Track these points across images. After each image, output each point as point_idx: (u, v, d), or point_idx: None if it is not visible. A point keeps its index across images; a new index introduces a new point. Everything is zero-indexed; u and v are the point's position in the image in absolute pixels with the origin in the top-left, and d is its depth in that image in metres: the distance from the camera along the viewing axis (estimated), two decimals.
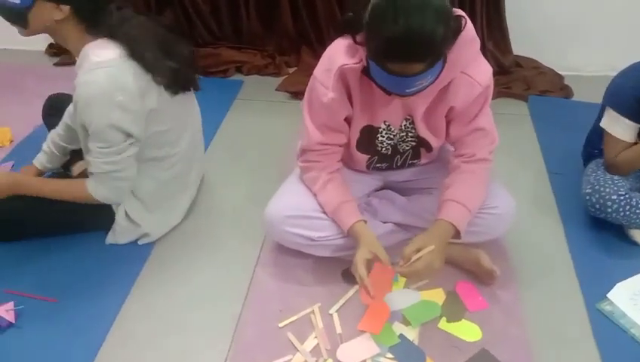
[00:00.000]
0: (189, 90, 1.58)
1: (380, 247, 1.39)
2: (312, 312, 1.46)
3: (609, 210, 1.60)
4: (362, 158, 1.56)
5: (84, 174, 1.66)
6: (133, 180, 1.51)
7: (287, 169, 1.70)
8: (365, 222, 1.47)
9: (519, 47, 2.62)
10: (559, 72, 2.60)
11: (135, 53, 1.38)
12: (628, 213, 1.60)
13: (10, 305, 1.45)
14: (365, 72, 1.31)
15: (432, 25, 1.13)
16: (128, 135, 1.41)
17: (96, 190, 1.48)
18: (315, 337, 1.40)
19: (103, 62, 1.34)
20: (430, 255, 1.33)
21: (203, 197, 1.87)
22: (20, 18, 1.34)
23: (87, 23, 1.38)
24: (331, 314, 1.46)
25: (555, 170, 2.00)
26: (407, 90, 1.24)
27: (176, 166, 1.63)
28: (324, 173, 1.51)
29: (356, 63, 1.32)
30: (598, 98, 1.76)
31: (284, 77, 2.63)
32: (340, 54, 1.34)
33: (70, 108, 1.70)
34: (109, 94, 1.33)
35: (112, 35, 1.38)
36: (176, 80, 1.48)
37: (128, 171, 1.47)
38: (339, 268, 1.58)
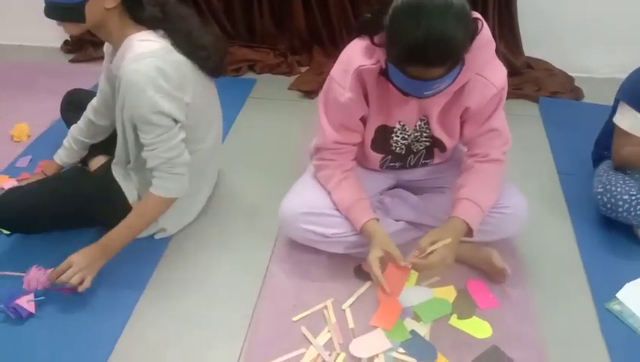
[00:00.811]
0: (221, 75, 1.63)
1: (393, 245, 1.42)
2: (325, 307, 1.49)
3: (620, 209, 1.62)
4: (376, 157, 1.59)
5: (102, 169, 1.69)
6: (190, 166, 1.53)
7: (300, 167, 1.73)
8: (378, 220, 1.49)
9: (531, 48, 2.64)
10: (570, 74, 2.61)
11: (177, 43, 1.44)
12: (639, 212, 1.61)
13: (32, 296, 1.48)
14: (383, 73, 1.33)
15: (453, 30, 1.15)
16: (175, 121, 1.45)
17: (163, 187, 1.50)
18: (329, 331, 1.42)
19: (147, 52, 1.38)
20: (445, 248, 1.35)
21: (218, 194, 1.89)
22: (77, 14, 1.35)
23: (133, 13, 1.42)
24: (344, 310, 1.48)
25: (565, 171, 2.02)
26: (426, 93, 1.26)
27: (200, 162, 1.65)
28: (339, 171, 1.53)
29: (374, 64, 1.34)
30: (608, 100, 1.78)
31: (296, 76, 2.66)
32: (357, 55, 1.36)
33: (93, 102, 1.73)
34: (155, 81, 1.37)
35: (155, 25, 1.43)
36: (213, 65, 1.54)
37: (185, 155, 1.50)
38: (352, 265, 1.61)
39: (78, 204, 1.62)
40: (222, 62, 1.60)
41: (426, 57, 1.17)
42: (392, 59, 1.24)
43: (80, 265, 1.45)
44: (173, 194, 1.52)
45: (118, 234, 1.52)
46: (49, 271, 1.49)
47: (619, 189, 1.63)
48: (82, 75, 2.65)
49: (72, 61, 2.87)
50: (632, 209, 1.61)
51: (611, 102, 1.75)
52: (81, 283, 1.44)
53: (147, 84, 1.36)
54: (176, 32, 1.44)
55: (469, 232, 1.42)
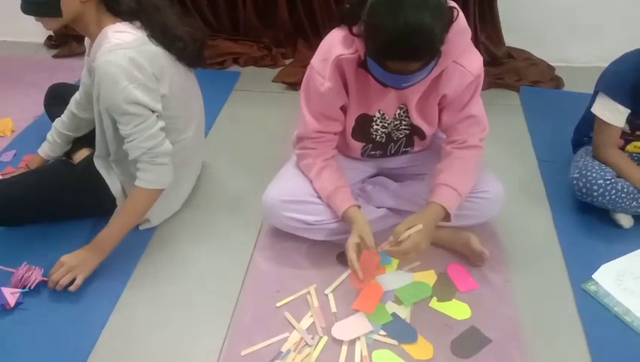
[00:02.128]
0: (202, 64, 1.64)
1: (369, 232, 1.44)
2: (308, 293, 1.51)
3: (595, 193, 1.65)
4: (357, 146, 1.61)
5: (85, 161, 1.70)
6: (171, 155, 1.53)
7: (284, 158, 1.74)
8: (359, 207, 1.52)
9: (512, 38, 2.67)
10: (551, 64, 2.65)
11: (152, 34, 1.45)
12: (614, 196, 1.65)
13: (16, 290, 1.49)
14: (361, 64, 1.35)
15: (430, 24, 1.16)
16: (152, 110, 1.46)
17: (147, 179, 1.50)
18: (311, 316, 1.45)
19: (122, 43, 1.39)
20: (418, 234, 1.38)
21: (202, 185, 1.91)
22: (54, 9, 1.36)
23: (109, 5, 1.43)
24: (327, 295, 1.51)
25: (545, 158, 2.05)
26: (404, 85, 1.29)
27: (182, 153, 1.67)
28: (320, 159, 1.55)
29: (352, 54, 1.36)
30: (588, 88, 1.81)
31: (280, 68, 2.68)
32: (336, 45, 1.38)
33: (76, 96, 1.74)
34: (129, 72, 1.38)
35: (131, 17, 1.44)
36: (190, 56, 1.55)
37: (165, 145, 1.50)
38: (334, 252, 1.63)
39: (62, 196, 1.63)
40: (199, 53, 1.61)
41: (404, 52, 1.19)
42: (370, 54, 1.26)
43: (70, 264, 1.47)
44: (158, 186, 1.53)
45: (110, 233, 1.54)
46: (37, 269, 1.51)
47: (594, 174, 1.67)
48: (66, 70, 2.65)
49: (55, 56, 2.86)
50: (606, 193, 1.65)
51: (591, 91, 1.78)
52: (72, 283, 1.47)
53: (121, 75, 1.37)
54: (152, 23, 1.45)
55: (447, 217, 1.45)
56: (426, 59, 1.23)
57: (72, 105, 1.76)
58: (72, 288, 1.47)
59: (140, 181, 1.51)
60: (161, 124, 1.49)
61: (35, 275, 1.51)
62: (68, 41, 2.88)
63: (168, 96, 1.50)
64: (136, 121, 1.44)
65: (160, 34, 1.46)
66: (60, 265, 1.48)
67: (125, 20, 1.44)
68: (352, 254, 1.41)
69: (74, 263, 1.48)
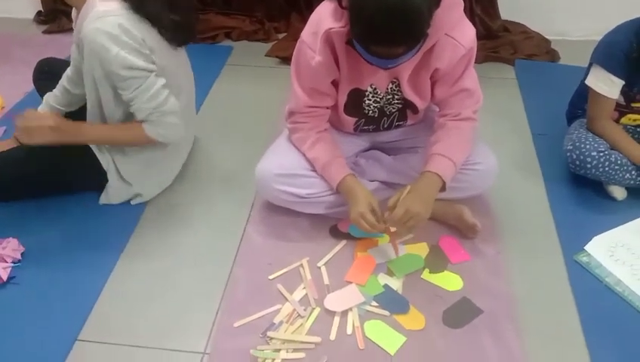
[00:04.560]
0: (192, 40, 1.62)
1: (376, 201, 1.45)
2: (301, 265, 1.51)
3: (588, 165, 1.65)
4: (350, 121, 1.60)
5: None
6: (179, 112, 1.53)
7: (277, 132, 1.73)
8: (354, 176, 1.51)
9: (507, 11, 2.64)
10: (546, 37, 2.63)
11: (139, 7, 1.42)
12: (607, 168, 1.65)
13: (7, 263, 1.49)
14: (349, 42, 1.33)
15: (416, 7, 1.14)
16: (150, 71, 1.44)
17: (154, 131, 1.51)
18: (304, 288, 1.45)
19: (110, 10, 1.37)
20: (409, 198, 1.38)
21: (194, 160, 1.90)
22: None
23: None
24: (319, 267, 1.51)
25: (539, 131, 2.05)
26: (390, 66, 1.28)
27: None
28: (313, 132, 1.54)
29: (342, 27, 1.33)
30: (583, 61, 1.79)
31: (273, 42, 2.65)
32: (326, 17, 1.35)
33: (68, 72, 1.72)
34: (119, 38, 1.37)
35: None
36: (179, 32, 1.52)
37: (171, 101, 1.50)
38: (327, 225, 1.63)
39: (52, 171, 1.61)
40: (184, 38, 1.57)
41: (388, 38, 1.18)
42: (354, 38, 1.24)
43: (47, 122, 1.46)
44: (165, 140, 1.54)
45: (95, 129, 1.55)
46: (11, 241, 1.55)
47: (587, 146, 1.66)
48: (56, 46, 2.61)
49: (45, 32, 2.82)
50: (600, 165, 1.65)
51: (587, 64, 1.76)
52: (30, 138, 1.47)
53: (110, 42, 1.36)
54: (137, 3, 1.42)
55: (442, 186, 1.45)
56: (412, 43, 1.21)
57: (64, 81, 1.74)
58: (23, 141, 1.49)
59: (148, 129, 1.50)
60: (161, 81, 1.48)
61: (11, 246, 1.51)
62: (57, 17, 2.84)
63: (157, 65, 1.48)
64: (135, 83, 1.43)
65: (144, 14, 1.43)
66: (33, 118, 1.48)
67: None
68: (369, 217, 1.41)
69: (51, 123, 1.46)
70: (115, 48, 1.37)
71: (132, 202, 1.71)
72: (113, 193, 1.68)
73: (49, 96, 1.78)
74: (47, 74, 1.88)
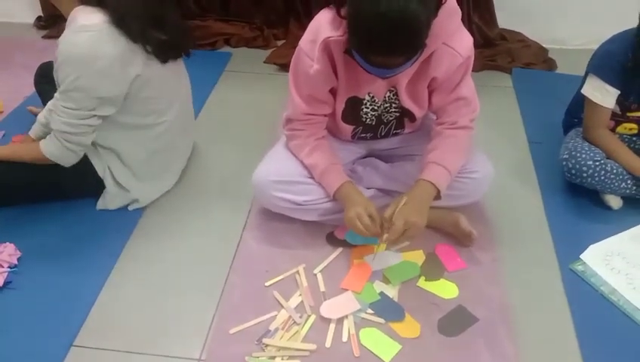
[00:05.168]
0: (180, 57, 1.61)
1: (374, 206, 1.45)
2: (297, 272, 1.52)
3: (584, 175, 1.66)
4: (348, 129, 1.60)
5: None
6: (85, 149, 1.54)
7: (275, 139, 1.74)
8: (352, 183, 1.51)
9: (505, 20, 2.66)
10: (544, 46, 2.64)
11: (121, 22, 1.40)
12: (603, 178, 1.65)
13: (4, 269, 1.49)
14: (347, 51, 1.33)
15: (416, 15, 1.14)
16: (100, 100, 1.44)
17: (46, 146, 1.50)
18: (300, 295, 1.45)
19: (88, 25, 1.37)
20: (405, 208, 1.39)
21: (192, 166, 1.90)
22: None
23: None
24: (315, 274, 1.51)
25: (536, 140, 2.06)
26: (388, 75, 1.29)
27: (164, 135, 1.65)
28: (311, 139, 1.55)
29: (340, 36, 1.33)
30: (580, 70, 1.80)
31: (272, 49, 2.66)
32: (324, 26, 1.36)
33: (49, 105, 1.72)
34: (86, 59, 1.37)
35: (101, 2, 1.40)
36: (165, 49, 1.51)
37: (83, 138, 1.50)
38: (324, 232, 1.63)
39: (47, 178, 1.61)
40: (165, 51, 1.53)
41: (387, 49, 1.18)
42: (353, 47, 1.24)
43: None
44: (56, 161, 1.52)
45: (3, 149, 1.60)
46: (8, 246, 1.55)
47: (583, 155, 1.67)
48: (55, 51, 2.61)
49: (45, 37, 2.83)
50: (595, 174, 1.65)
51: (584, 73, 1.77)
52: None
53: (78, 59, 1.37)
54: (122, 9, 1.41)
55: (437, 194, 1.45)
56: (411, 53, 1.22)
57: (44, 112, 1.75)
58: None
59: (44, 145, 1.50)
60: (93, 121, 1.47)
61: (8, 251, 1.52)
62: (57, 22, 2.84)
63: (143, 75, 1.48)
64: (72, 104, 1.43)
65: (125, 31, 1.41)
66: None
67: (96, 6, 1.40)
68: (365, 219, 1.40)
69: None
70: (81, 67, 1.37)
71: (129, 208, 1.71)
72: (110, 199, 1.68)
73: (49, 104, 1.78)
74: (49, 78, 1.88)
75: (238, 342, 1.34)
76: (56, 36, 2.77)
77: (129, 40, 1.42)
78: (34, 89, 2.03)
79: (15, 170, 1.58)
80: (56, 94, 1.73)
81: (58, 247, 1.59)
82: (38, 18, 2.92)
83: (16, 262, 1.52)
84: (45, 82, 1.91)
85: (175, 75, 1.66)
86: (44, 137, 1.78)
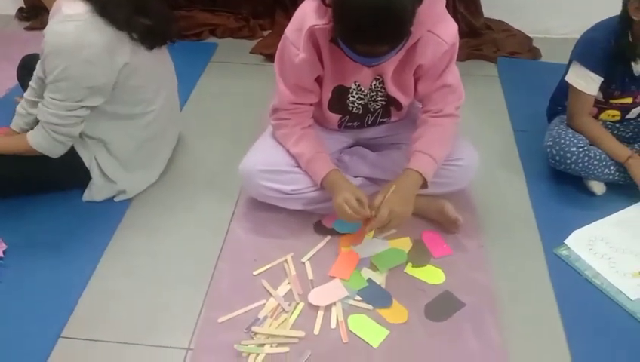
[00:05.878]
0: (165, 44, 1.60)
1: (361, 192, 1.45)
2: (285, 261, 1.52)
3: (568, 161, 1.68)
4: (334, 118, 1.61)
5: None
6: (74, 140, 1.53)
7: (261, 129, 1.73)
8: (339, 170, 1.52)
9: (490, 10, 2.66)
10: (529, 35, 2.66)
11: (104, 10, 1.40)
12: (586, 164, 1.68)
13: None
14: (333, 40, 1.33)
15: (401, 5, 1.14)
16: (90, 90, 1.43)
17: (34, 138, 1.49)
18: (288, 283, 1.46)
19: (74, 15, 1.36)
20: (392, 197, 1.39)
21: (179, 156, 1.90)
22: None
23: None
24: (304, 263, 1.52)
25: (521, 128, 2.08)
26: (374, 64, 1.29)
27: (153, 125, 1.65)
28: (297, 128, 1.55)
29: (326, 24, 1.33)
30: (564, 59, 1.81)
31: (258, 40, 2.65)
32: (310, 14, 1.35)
33: (26, 94, 1.70)
34: (74, 48, 1.36)
35: None
36: (151, 36, 1.51)
37: (71, 130, 1.49)
38: (311, 221, 1.64)
39: (33, 169, 1.59)
40: (151, 37, 1.53)
41: (372, 38, 1.19)
42: (338, 36, 1.24)
43: None
44: (37, 149, 1.51)
45: None
46: None
47: (567, 142, 1.69)
48: (38, 43, 2.46)
49: (27, 28, 2.79)
50: (579, 161, 1.67)
51: (567, 61, 1.79)
52: None
53: (65, 49, 1.36)
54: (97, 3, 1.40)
55: (424, 184, 1.46)
56: (396, 42, 1.22)
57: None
58: None
59: (32, 137, 1.49)
60: (81, 112, 1.47)
61: None
62: (40, 13, 2.80)
63: (131, 63, 1.48)
64: (60, 95, 1.42)
65: (109, 19, 1.41)
66: None
67: None
68: (354, 202, 1.40)
69: None
70: (68, 57, 1.36)
71: (116, 199, 1.70)
72: (96, 190, 1.67)
73: (27, 93, 1.75)
74: (32, 70, 1.86)
75: (226, 331, 1.35)
76: (39, 28, 2.79)
77: (115, 28, 1.41)
78: (17, 81, 2.01)
79: (1, 162, 1.57)
80: (31, 83, 1.72)
81: (44, 239, 1.59)
82: (20, 9, 2.88)
83: (2, 255, 1.51)
84: (28, 74, 1.88)
85: (161, 63, 1.65)
86: (27, 128, 1.77)
